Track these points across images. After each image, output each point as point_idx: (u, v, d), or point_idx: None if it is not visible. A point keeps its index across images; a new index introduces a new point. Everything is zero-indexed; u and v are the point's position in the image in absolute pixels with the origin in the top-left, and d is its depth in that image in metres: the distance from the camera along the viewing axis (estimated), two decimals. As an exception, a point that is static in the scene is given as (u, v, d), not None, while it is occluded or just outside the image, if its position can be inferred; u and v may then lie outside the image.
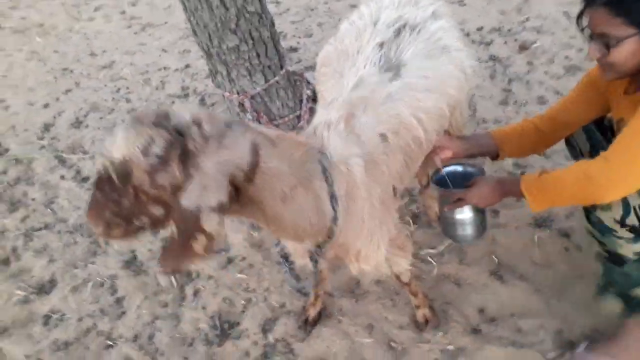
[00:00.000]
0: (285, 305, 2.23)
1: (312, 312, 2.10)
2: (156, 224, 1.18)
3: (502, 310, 2.07)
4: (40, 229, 2.88)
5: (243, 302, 2.29)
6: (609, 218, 1.52)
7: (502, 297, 2.12)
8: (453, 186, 1.81)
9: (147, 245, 2.65)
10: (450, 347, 1.97)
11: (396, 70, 1.66)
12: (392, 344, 2.02)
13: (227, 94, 2.85)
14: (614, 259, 1.63)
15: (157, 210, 1.14)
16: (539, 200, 1.53)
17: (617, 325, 1.79)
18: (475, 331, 2.02)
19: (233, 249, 2.51)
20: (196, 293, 2.37)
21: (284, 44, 3.71)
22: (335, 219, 1.44)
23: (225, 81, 2.79)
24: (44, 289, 2.55)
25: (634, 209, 1.46)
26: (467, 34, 3.82)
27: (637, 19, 1.32)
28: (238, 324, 2.21)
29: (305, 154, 1.37)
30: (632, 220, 1.48)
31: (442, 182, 1.84)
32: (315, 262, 1.62)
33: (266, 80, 2.76)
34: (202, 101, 3.66)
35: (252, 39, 2.58)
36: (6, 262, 2.73)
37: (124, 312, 2.36)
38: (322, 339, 2.07)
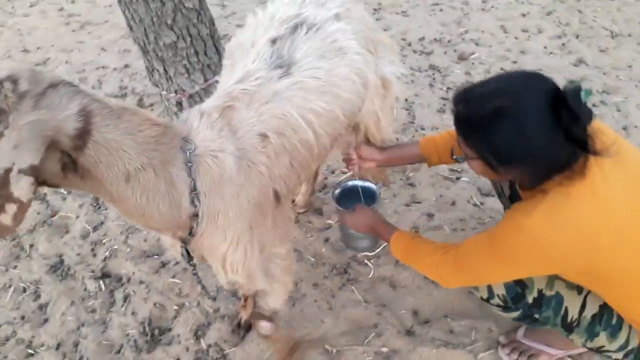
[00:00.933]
0: (219, 310, 2.17)
1: (244, 315, 2.05)
2: None
3: (436, 312, 2.10)
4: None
5: (175, 307, 2.21)
6: (477, 294, 1.65)
7: (435, 299, 2.15)
8: (352, 201, 1.99)
9: (75, 248, 2.52)
10: (384, 349, 1.98)
11: (287, 68, 1.57)
12: (327, 347, 2.00)
13: (164, 92, 2.77)
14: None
15: None
16: (400, 257, 1.72)
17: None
18: (409, 333, 2.04)
19: (167, 253, 2.43)
20: (126, 298, 2.27)
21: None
22: (195, 215, 1.35)
23: (163, 79, 2.71)
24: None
25: (497, 296, 1.57)
26: (409, 44, 3.91)
27: (476, 149, 1.31)
28: (169, 329, 2.13)
29: (162, 136, 1.27)
30: (496, 301, 1.60)
31: (340, 196, 2.05)
32: (186, 257, 1.52)
33: (205, 80, 2.70)
34: (141, 101, 3.55)
35: (190, 35, 2.52)
36: None
37: (47, 319, 2.22)
38: (257, 343, 2.03)
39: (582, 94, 1.16)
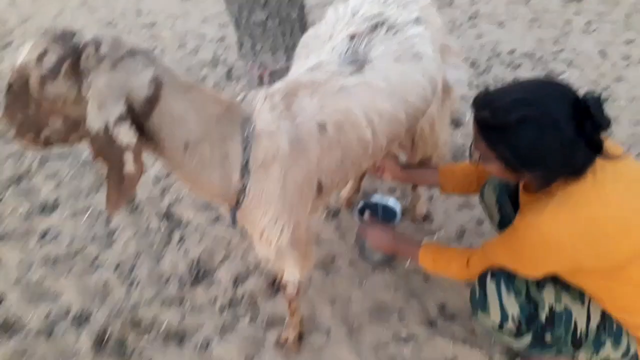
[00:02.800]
0: (259, 266, 2.35)
1: (279, 277, 2.19)
2: (61, 137, 1.24)
3: (463, 310, 2.13)
4: (55, 158, 3.09)
5: (222, 255, 2.41)
6: (488, 323, 1.61)
7: (465, 298, 2.15)
8: (373, 215, 2.20)
9: (147, 190, 2.80)
10: (404, 333, 2.05)
11: (360, 65, 1.58)
12: (349, 320, 2.11)
13: (249, 66, 2.98)
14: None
15: (57, 123, 1.21)
16: (430, 268, 1.80)
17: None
18: (432, 324, 2.09)
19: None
20: (181, 239, 2.51)
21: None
22: (243, 190, 1.43)
23: (249, 54, 2.92)
24: (47, 209, 2.73)
25: (511, 317, 1.54)
26: (498, 54, 3.88)
27: (498, 153, 1.34)
28: (212, 273, 2.34)
29: (224, 114, 1.35)
30: (509, 326, 1.55)
31: (363, 210, 2.23)
32: (233, 222, 1.60)
33: (287, 59, 2.88)
34: (229, 72, 3.82)
35: (279, 17, 2.70)
36: (19, 180, 2.94)
37: (112, 243, 2.51)
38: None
39: (603, 102, 1.21)
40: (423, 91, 1.70)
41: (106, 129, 1.13)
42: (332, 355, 1.98)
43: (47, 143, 1.26)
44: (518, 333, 1.57)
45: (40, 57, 1.12)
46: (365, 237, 1.96)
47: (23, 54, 1.15)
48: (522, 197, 1.55)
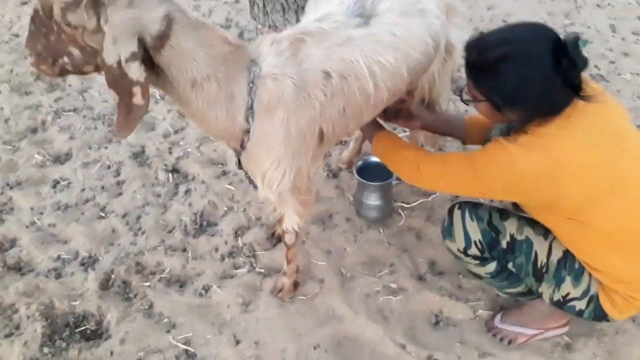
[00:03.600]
0: (260, 219, 2.45)
1: (279, 229, 2.29)
2: (76, 67, 1.34)
3: (452, 268, 2.22)
4: (69, 111, 3.20)
5: (225, 208, 2.51)
6: (454, 248, 1.73)
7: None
8: (371, 174, 2.31)
9: (156, 144, 2.90)
10: (393, 285, 2.15)
11: (367, 18, 1.62)
12: (342, 270, 2.21)
13: (259, 26, 3.03)
14: (473, 274, 1.84)
15: (75, 52, 1.30)
16: (377, 154, 1.90)
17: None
18: (421, 278, 2.19)
19: (229, 164, 2.74)
20: (187, 192, 2.61)
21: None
22: (247, 131, 1.49)
23: (260, 13, 2.97)
24: (60, 159, 2.85)
25: (474, 242, 1.66)
26: (508, 26, 3.86)
27: (484, 91, 1.45)
28: (216, 224, 2.45)
29: (231, 54, 1.39)
30: (473, 251, 1.68)
31: (361, 169, 2.35)
32: (237, 165, 1.68)
33: (297, 20, 2.92)
34: (241, 34, 3.86)
35: (291, -24, 2.74)
36: (34, 131, 3.06)
37: (120, 193, 2.63)
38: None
39: (580, 43, 1.29)
40: (426, 46, 1.74)
41: (119, 63, 1.22)
42: (324, 303, 2.09)
43: (63, 71, 1.36)
44: (482, 259, 1.70)
45: None
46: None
47: None
48: None
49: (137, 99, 1.26)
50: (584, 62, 1.32)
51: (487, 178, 1.49)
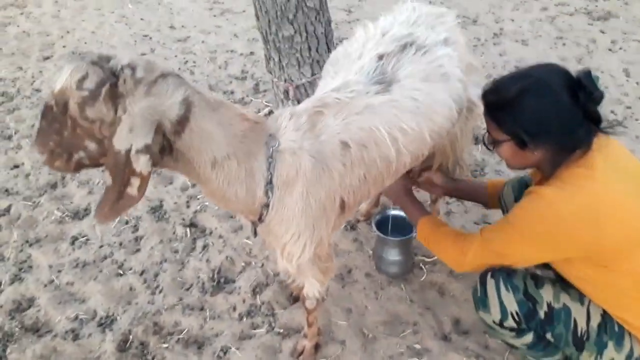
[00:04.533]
0: (279, 275, 2.41)
1: (296, 291, 2.21)
2: (93, 160, 1.29)
3: (477, 326, 2.15)
4: (88, 165, 3.23)
5: (243, 264, 2.49)
6: (489, 320, 1.66)
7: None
8: (391, 229, 2.31)
9: (174, 198, 2.91)
10: (417, 346, 2.08)
11: (387, 84, 1.61)
12: (364, 331, 2.15)
13: (275, 79, 3.08)
14: (507, 345, 1.77)
15: (92, 146, 1.25)
16: (424, 241, 1.84)
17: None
18: (446, 338, 2.12)
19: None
20: (204, 247, 2.59)
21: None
22: (267, 205, 1.47)
23: (276, 67, 3.02)
24: (79, 214, 2.86)
25: (511, 314, 1.60)
26: (521, 72, 3.88)
27: (506, 129, 1.47)
28: (233, 281, 2.42)
29: (250, 131, 1.39)
30: (510, 323, 1.61)
31: (381, 222, 2.33)
32: (254, 235, 1.66)
33: (313, 74, 2.97)
34: (257, 86, 3.92)
35: (307, 32, 2.80)
36: (54, 186, 3.09)
37: (139, 249, 2.62)
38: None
39: (594, 77, 1.35)
40: (449, 111, 1.73)
41: (128, 151, 1.18)
42: (346, 365, 2.03)
43: (79, 166, 1.30)
44: (519, 331, 1.62)
45: (81, 81, 1.18)
46: (385, 193, 2.02)
47: (63, 77, 1.19)
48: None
49: (132, 190, 1.21)
50: (600, 94, 1.36)
51: (530, 233, 1.46)
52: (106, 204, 1.23)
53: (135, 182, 1.20)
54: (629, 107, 3.43)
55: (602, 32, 4.38)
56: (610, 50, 4.13)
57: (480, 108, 2.06)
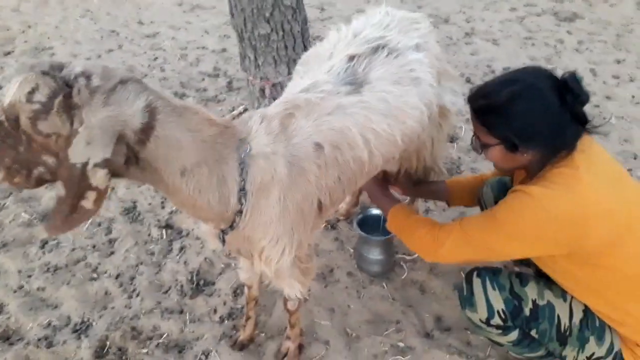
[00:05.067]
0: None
1: (243, 335, 2.08)
2: (55, 175, 1.18)
3: (459, 323, 2.17)
4: (56, 166, 3.11)
5: (222, 265, 2.44)
6: (476, 318, 1.68)
7: (461, 311, 2.22)
8: (371, 227, 2.31)
9: (147, 198, 2.84)
10: (401, 344, 2.09)
11: (358, 86, 1.60)
12: (348, 330, 2.14)
13: (251, 77, 3.04)
14: (493, 342, 1.79)
15: (51, 160, 1.16)
16: (395, 230, 1.86)
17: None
18: (428, 335, 2.14)
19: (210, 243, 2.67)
20: (182, 249, 2.54)
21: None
22: (239, 212, 1.42)
23: (252, 66, 2.98)
24: (47, 217, 2.75)
25: (497, 312, 1.62)
26: (493, 71, 3.96)
27: (497, 133, 1.48)
28: (213, 283, 2.37)
29: (219, 136, 1.34)
30: (496, 321, 1.64)
31: (362, 222, 2.34)
32: (222, 244, 1.58)
33: (289, 72, 2.94)
34: (230, 84, 3.87)
35: (283, 30, 2.77)
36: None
37: (113, 252, 2.54)
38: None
39: (579, 78, 1.39)
40: (420, 115, 1.73)
41: (85, 164, 1.10)
42: (331, 366, 2.02)
43: (40, 181, 1.22)
44: (505, 328, 1.65)
45: (31, 93, 1.08)
46: (365, 188, 2.03)
47: (11, 90, 1.10)
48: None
49: (87, 203, 1.13)
50: (586, 96, 1.40)
51: (515, 230, 1.47)
52: (58, 216, 1.14)
53: (91, 196, 1.12)
54: (597, 105, 3.54)
55: (569, 32, 4.51)
56: (577, 50, 4.25)
57: (454, 115, 2.10)
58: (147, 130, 1.18)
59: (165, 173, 1.27)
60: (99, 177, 1.11)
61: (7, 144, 1.14)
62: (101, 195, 1.13)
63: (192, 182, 1.30)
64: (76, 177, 1.10)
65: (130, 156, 1.20)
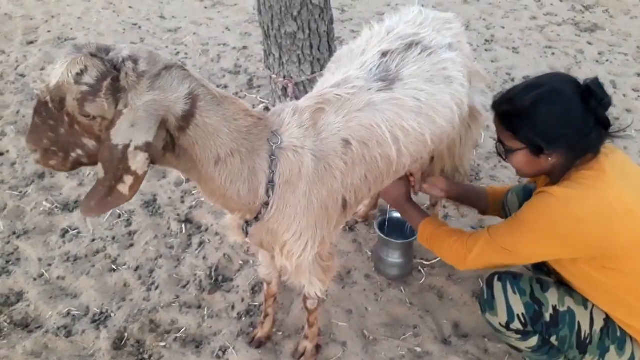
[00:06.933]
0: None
1: (260, 333, 2.09)
2: (92, 159, 1.20)
3: (476, 329, 2.17)
4: (77, 156, 3.13)
5: (241, 262, 2.45)
6: (496, 322, 1.69)
7: (479, 318, 2.21)
8: (391, 230, 2.32)
9: (167, 192, 2.85)
10: (418, 349, 2.09)
11: (390, 82, 1.59)
12: (365, 332, 2.15)
13: (274, 76, 3.05)
14: (512, 347, 1.78)
15: (90, 144, 1.18)
16: (425, 242, 1.87)
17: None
18: (445, 342, 2.14)
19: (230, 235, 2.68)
20: (201, 244, 2.55)
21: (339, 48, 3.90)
22: (266, 204, 1.43)
23: (276, 64, 2.99)
24: (69, 207, 2.78)
25: (517, 316, 1.63)
26: (513, 79, 3.95)
27: (522, 137, 1.50)
28: (231, 279, 2.38)
29: (253, 127, 1.35)
30: (516, 325, 1.64)
31: (382, 225, 2.34)
32: (246, 234, 1.59)
33: (312, 72, 2.95)
34: (250, 81, 3.88)
35: (310, 29, 2.78)
36: (42, 176, 2.99)
37: (132, 244, 2.55)
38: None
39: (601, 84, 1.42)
40: (451, 114, 1.73)
41: (126, 147, 1.11)
42: (348, 367, 2.02)
43: (76, 165, 1.23)
44: (525, 333, 1.65)
45: (80, 75, 1.09)
46: (382, 194, 2.03)
47: (58, 71, 1.11)
48: None
49: (124, 188, 1.14)
50: (609, 100, 1.43)
51: (540, 230, 1.48)
52: (94, 197, 1.16)
53: (128, 180, 1.13)
54: (617, 118, 3.52)
55: (589, 43, 4.48)
56: (597, 61, 4.22)
57: (484, 117, 2.10)
58: (188, 117, 1.21)
59: (200, 161, 1.28)
60: (138, 161, 1.12)
61: (48, 125, 1.16)
62: (138, 180, 1.14)
63: (224, 172, 1.32)
64: (117, 158, 1.12)
65: (168, 142, 1.22)
